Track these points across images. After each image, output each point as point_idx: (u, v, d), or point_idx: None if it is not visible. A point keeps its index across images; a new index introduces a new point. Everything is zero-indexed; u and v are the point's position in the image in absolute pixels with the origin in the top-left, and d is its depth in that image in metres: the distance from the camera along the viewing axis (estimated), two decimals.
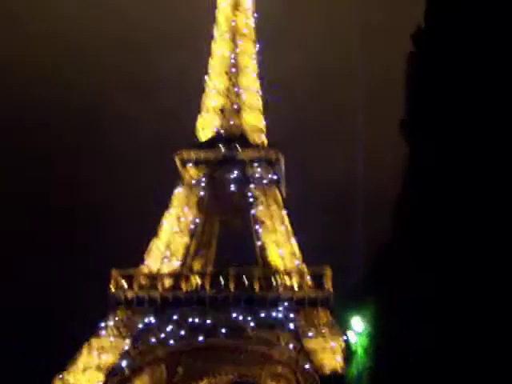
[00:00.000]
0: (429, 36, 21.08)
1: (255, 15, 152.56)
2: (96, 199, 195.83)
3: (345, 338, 40.03)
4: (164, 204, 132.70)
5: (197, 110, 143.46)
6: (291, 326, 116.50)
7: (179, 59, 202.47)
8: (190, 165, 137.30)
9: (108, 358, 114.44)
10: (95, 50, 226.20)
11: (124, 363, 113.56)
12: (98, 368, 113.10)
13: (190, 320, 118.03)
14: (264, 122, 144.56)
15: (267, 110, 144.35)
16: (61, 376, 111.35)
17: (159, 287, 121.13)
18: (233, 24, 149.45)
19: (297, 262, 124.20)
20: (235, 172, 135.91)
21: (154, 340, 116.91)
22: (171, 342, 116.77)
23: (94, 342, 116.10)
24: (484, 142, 17.73)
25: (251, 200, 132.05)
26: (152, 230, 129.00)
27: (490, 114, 17.83)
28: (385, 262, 22.27)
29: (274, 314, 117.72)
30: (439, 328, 18.70)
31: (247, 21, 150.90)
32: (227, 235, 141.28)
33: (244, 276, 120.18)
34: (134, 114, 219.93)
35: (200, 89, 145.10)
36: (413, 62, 21.23)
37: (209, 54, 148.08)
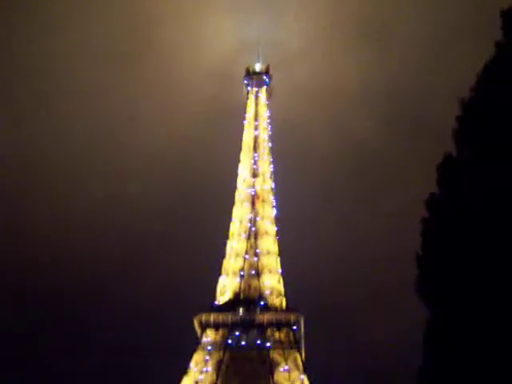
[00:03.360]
0: (442, 202, 22.32)
1: (273, 182, 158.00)
2: (112, 362, 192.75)
3: None
4: (183, 367, 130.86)
5: (218, 272, 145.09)
6: None
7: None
8: (209, 328, 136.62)
9: None
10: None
11: None
12: None
13: None
14: (283, 284, 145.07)
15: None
16: None
17: None
18: (252, 190, 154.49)
19: None
20: (254, 335, 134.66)
21: None
22: None
23: None
24: (498, 311, 18.43)
25: (271, 364, 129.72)
26: None
27: (503, 284, 18.70)
28: None
29: None
30: None
31: (266, 187, 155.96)
32: None
33: None
34: (154, 275, 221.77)
35: (222, 251, 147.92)
36: (426, 227, 22.32)
37: (229, 218, 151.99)
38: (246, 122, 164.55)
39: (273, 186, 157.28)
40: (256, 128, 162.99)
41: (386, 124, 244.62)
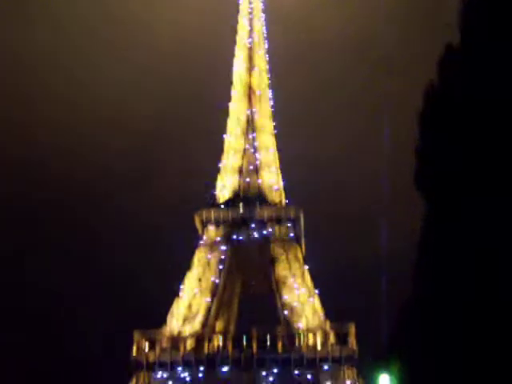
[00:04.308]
0: (441, 94, 21.59)
1: (269, 77, 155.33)
2: (118, 262, 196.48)
3: None
4: (186, 264, 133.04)
5: (217, 169, 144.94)
6: None
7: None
8: (210, 225, 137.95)
9: None
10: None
11: None
12: None
13: (214, 382, 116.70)
14: (282, 181, 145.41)
15: None
16: None
17: (181, 349, 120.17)
18: (248, 85, 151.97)
19: (319, 319, 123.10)
20: (255, 231, 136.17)
21: None
22: None
23: None
24: (497, 203, 18.04)
25: (272, 259, 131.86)
26: (175, 291, 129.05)
27: (497, 175, 18.25)
28: (407, 320, 22.38)
29: (298, 373, 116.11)
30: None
31: (262, 82, 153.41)
32: (249, 294, 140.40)
33: (267, 336, 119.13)
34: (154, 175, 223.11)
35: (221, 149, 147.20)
36: (423, 121, 21.73)
37: (227, 114, 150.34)
38: (239, 15, 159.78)
39: (269, 81, 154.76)
40: (250, 21, 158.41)
41: (390, 17, 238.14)
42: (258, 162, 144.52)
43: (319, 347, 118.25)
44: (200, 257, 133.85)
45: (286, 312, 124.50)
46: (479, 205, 19.02)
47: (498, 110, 19.28)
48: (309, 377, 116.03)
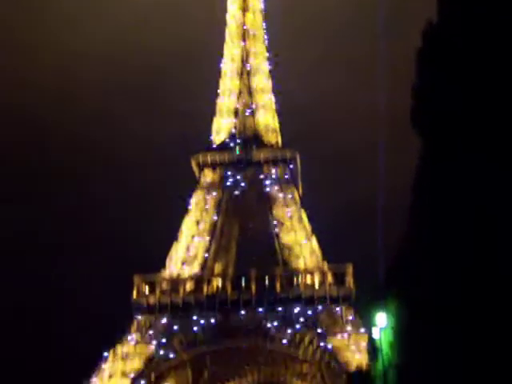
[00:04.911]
0: (439, 31, 21.13)
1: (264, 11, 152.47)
2: (118, 208, 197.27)
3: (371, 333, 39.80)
4: (184, 208, 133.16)
5: (213, 112, 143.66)
6: (314, 324, 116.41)
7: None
8: (207, 168, 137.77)
9: (133, 364, 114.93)
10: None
11: (149, 368, 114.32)
12: (124, 374, 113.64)
13: (214, 323, 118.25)
14: (277, 121, 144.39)
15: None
16: (87, 383, 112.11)
17: (181, 291, 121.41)
18: (243, 26, 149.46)
19: (317, 260, 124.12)
20: (251, 173, 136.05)
21: (178, 344, 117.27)
22: (195, 345, 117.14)
23: (119, 348, 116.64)
24: (494, 144, 17.79)
25: (269, 201, 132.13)
26: (173, 235, 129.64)
27: (496, 116, 17.94)
28: (404, 258, 22.44)
29: (296, 312, 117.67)
30: (463, 323, 18.71)
31: (257, 22, 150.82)
32: (247, 236, 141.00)
33: (266, 276, 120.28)
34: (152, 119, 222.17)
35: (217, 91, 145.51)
36: (421, 58, 21.33)
37: (221, 56, 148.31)
38: None
39: (264, 22, 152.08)
40: None
41: None
42: (253, 103, 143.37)
43: (317, 287, 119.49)
44: (197, 200, 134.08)
45: (283, 253, 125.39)
46: (476, 145, 18.78)
47: (496, 48, 18.85)
48: (304, 315, 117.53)
